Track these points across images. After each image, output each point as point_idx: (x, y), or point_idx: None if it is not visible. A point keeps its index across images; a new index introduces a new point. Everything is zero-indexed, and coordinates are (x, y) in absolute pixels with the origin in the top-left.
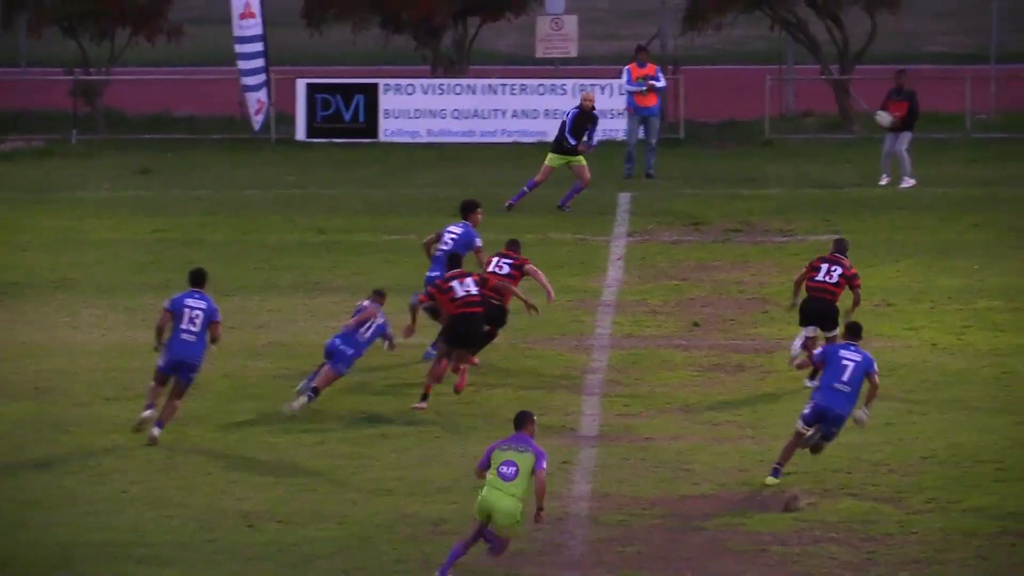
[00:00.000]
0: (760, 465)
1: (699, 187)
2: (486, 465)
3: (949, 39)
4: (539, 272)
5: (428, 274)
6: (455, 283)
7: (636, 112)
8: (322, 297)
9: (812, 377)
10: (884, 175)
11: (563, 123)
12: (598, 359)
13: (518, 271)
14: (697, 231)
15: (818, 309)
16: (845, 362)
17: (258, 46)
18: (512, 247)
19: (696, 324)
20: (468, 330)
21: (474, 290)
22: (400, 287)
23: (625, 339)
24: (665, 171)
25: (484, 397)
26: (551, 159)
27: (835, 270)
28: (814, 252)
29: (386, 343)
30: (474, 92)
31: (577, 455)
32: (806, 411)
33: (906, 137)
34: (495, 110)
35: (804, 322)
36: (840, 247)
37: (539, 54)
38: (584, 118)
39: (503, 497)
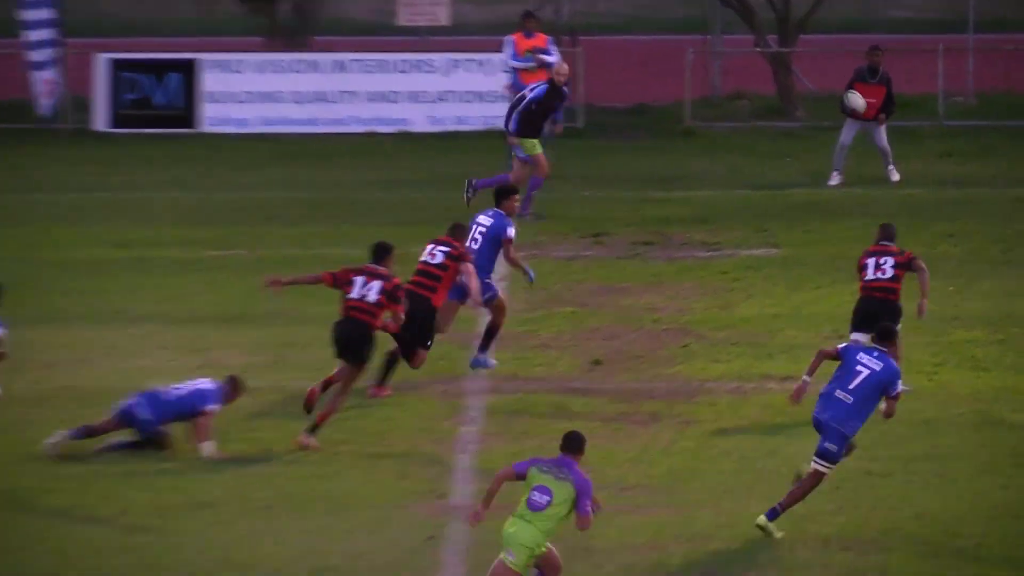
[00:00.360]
0: (678, 541)
1: (602, 188)
2: (522, 474)
3: (915, 3)
4: (475, 277)
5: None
6: (359, 279)
7: None
8: (124, 329)
9: (810, 373)
10: (836, 173)
11: (528, 102)
12: (473, 407)
13: (454, 263)
14: (599, 244)
15: (873, 310)
16: (859, 367)
17: (45, 12)
18: (455, 232)
19: (598, 362)
20: (349, 334)
21: (372, 298)
22: (223, 316)
23: (508, 382)
24: (559, 168)
25: (326, 457)
26: (535, 144)
27: (884, 261)
28: (745, 269)
29: (201, 438)
30: (319, 70)
31: (446, 529)
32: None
33: (881, 127)
34: (345, 92)
35: (857, 326)
36: (887, 233)
37: (401, 22)
38: (554, 95)
39: (525, 527)
